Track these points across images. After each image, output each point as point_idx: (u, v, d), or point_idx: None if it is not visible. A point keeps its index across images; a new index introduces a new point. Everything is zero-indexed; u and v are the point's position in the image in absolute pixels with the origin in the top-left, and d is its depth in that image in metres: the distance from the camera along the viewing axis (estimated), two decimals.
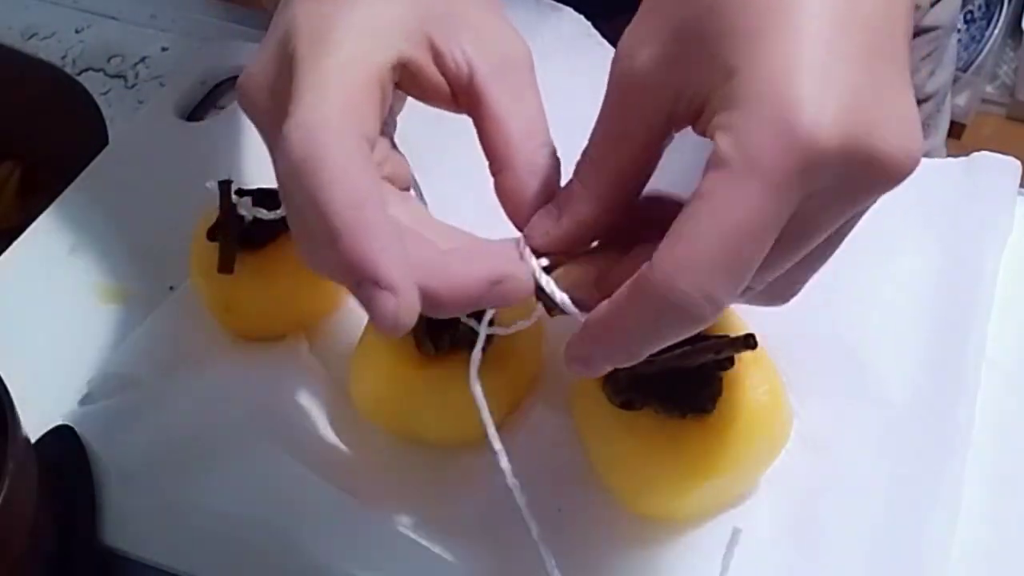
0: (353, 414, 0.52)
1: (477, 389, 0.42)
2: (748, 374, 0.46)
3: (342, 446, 0.52)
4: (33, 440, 0.52)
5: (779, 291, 0.38)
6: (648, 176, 0.38)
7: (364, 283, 0.34)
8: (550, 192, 0.39)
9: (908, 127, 0.33)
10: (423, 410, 0.50)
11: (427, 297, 0.35)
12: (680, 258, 0.33)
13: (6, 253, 0.64)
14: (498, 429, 0.51)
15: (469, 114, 0.40)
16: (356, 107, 0.36)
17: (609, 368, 0.37)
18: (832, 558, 0.47)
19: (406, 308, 0.34)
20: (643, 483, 0.47)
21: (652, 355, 0.46)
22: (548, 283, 0.38)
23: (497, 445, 0.41)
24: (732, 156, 0.32)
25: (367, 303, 0.34)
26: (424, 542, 0.47)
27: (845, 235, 0.37)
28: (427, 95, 0.40)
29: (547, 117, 0.40)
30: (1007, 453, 0.51)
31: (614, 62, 0.37)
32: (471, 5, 0.40)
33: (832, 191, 0.33)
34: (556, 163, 0.39)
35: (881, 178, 0.33)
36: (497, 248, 0.38)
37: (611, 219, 0.38)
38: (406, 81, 0.39)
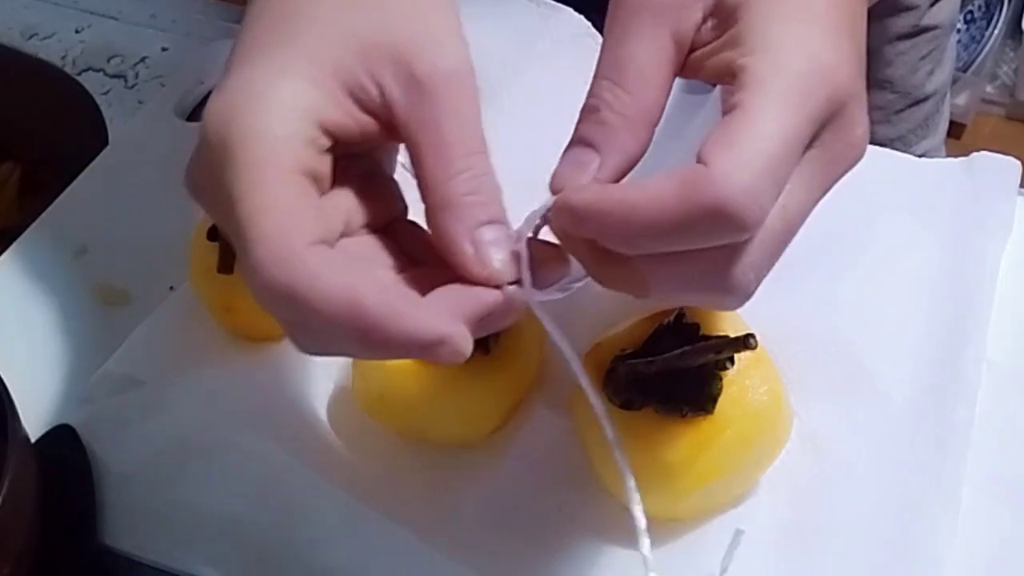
0: (353, 414, 0.52)
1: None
2: (748, 374, 0.46)
3: (342, 446, 0.52)
4: (33, 440, 0.52)
5: (748, 279, 0.37)
6: (662, 109, 0.38)
7: (415, 350, 0.34)
8: (474, 220, 0.36)
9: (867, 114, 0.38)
10: (425, 410, 0.50)
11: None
12: (741, 160, 0.33)
13: (6, 253, 0.64)
14: (498, 429, 0.52)
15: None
16: (293, 216, 0.35)
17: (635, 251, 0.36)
18: (832, 558, 0.47)
19: (463, 341, 0.34)
20: (643, 483, 0.47)
21: (652, 355, 0.46)
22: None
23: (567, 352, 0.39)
24: (769, 79, 0.35)
25: (430, 358, 0.34)
26: (425, 542, 0.47)
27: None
28: (364, 142, 0.38)
29: (545, 116, 0.39)
30: (1007, 453, 0.51)
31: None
32: (404, 23, 0.38)
33: (822, 152, 0.36)
34: (479, 188, 0.37)
35: (857, 148, 0.37)
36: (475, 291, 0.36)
37: (643, 151, 0.38)
38: (339, 139, 0.37)
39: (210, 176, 0.37)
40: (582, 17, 0.67)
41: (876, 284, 0.55)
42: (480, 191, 0.37)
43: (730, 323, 0.48)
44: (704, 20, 0.38)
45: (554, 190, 0.37)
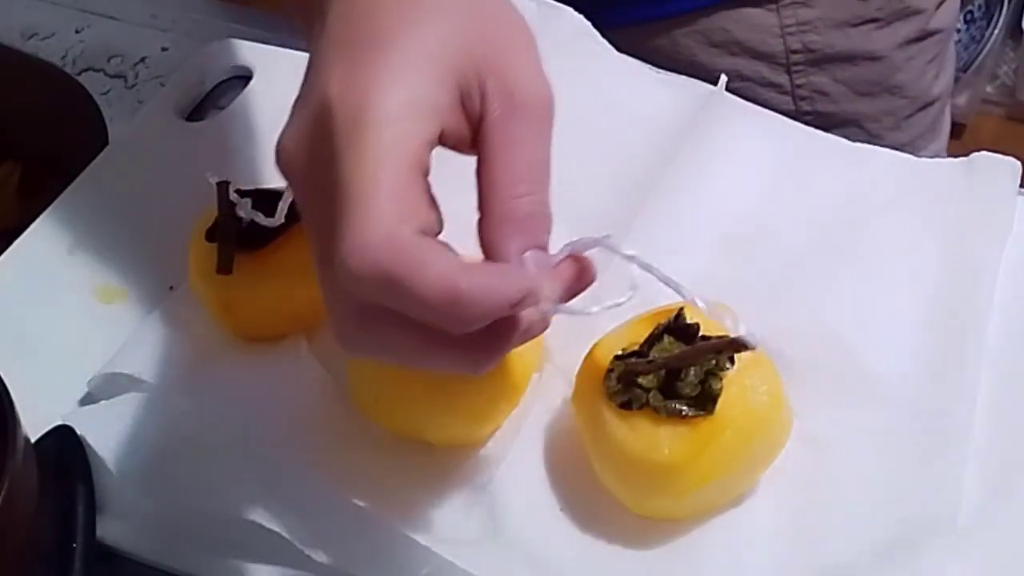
0: (353, 414, 0.52)
1: None
2: (748, 374, 0.46)
3: (341, 446, 0.52)
4: (33, 440, 0.52)
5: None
6: None
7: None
8: (526, 242, 0.38)
9: None
10: (424, 410, 0.50)
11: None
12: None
13: (6, 253, 0.64)
14: (498, 429, 0.52)
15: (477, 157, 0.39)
16: (408, 203, 0.36)
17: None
18: (832, 558, 0.47)
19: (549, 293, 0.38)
20: (643, 483, 0.47)
21: (652, 355, 0.46)
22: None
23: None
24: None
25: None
26: (424, 542, 0.47)
27: None
28: (457, 147, 0.40)
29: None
30: (1007, 453, 0.51)
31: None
32: (506, 44, 0.40)
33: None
34: (539, 213, 0.39)
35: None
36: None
37: None
38: (448, 140, 0.39)
39: (322, 152, 0.37)
40: (582, 17, 0.67)
41: (876, 284, 0.55)
42: (538, 217, 0.38)
43: None
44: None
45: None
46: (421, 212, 0.36)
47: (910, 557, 0.46)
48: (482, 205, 0.38)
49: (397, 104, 0.36)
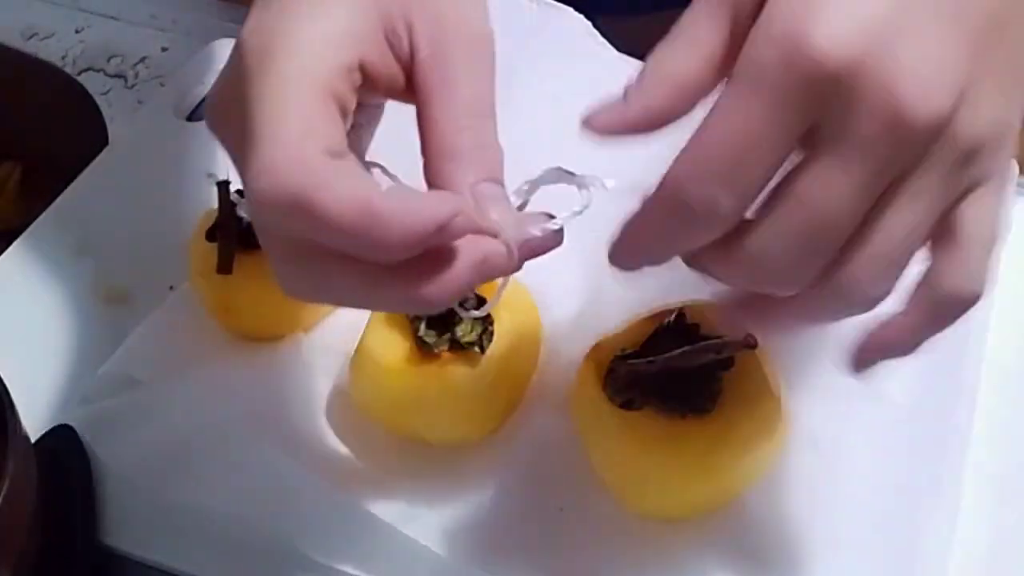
0: (353, 414, 0.52)
1: None
2: (748, 374, 0.46)
3: (342, 446, 0.52)
4: (33, 440, 0.52)
5: (845, 292, 0.35)
6: (706, 92, 0.36)
7: (429, 237, 0.33)
8: (476, 174, 0.36)
9: (933, 70, 0.31)
10: (423, 410, 0.50)
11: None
12: (688, 161, 0.33)
13: (6, 253, 0.64)
14: (497, 429, 0.52)
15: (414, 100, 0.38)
16: (315, 125, 0.34)
17: (641, 266, 0.37)
18: (831, 558, 0.47)
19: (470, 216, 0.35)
20: (643, 483, 0.47)
21: (652, 355, 0.46)
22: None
23: None
24: (740, 69, 0.32)
25: (485, 266, 0.35)
26: (424, 542, 0.47)
27: (919, 230, 0.34)
28: (386, 90, 0.38)
29: (544, 115, 0.39)
30: (1006, 453, 0.51)
31: None
32: None
33: (848, 131, 0.32)
34: (486, 144, 0.37)
35: (896, 120, 0.31)
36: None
37: (667, 119, 0.36)
38: (368, 80, 0.37)
39: (235, 91, 0.36)
40: (582, 17, 0.67)
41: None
42: (484, 148, 0.37)
43: None
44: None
45: (584, 121, 0.36)
46: (331, 134, 0.35)
47: (910, 557, 0.46)
48: (424, 149, 0.37)
49: (308, 35, 0.35)
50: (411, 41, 0.37)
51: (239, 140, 0.36)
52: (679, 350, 0.46)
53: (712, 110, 0.33)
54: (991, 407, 0.51)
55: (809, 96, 0.31)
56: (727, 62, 0.35)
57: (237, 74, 0.36)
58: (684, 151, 0.33)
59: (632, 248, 0.36)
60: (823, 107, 0.32)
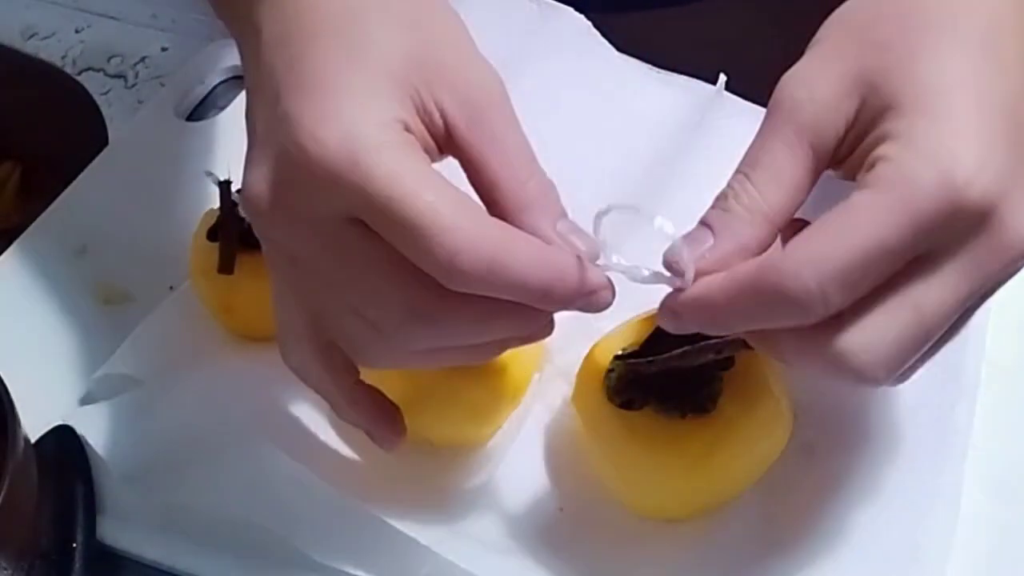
0: None
1: None
2: (748, 374, 0.46)
3: (342, 446, 0.52)
4: (33, 440, 0.52)
5: (874, 359, 0.37)
6: (790, 212, 0.40)
7: (586, 301, 0.39)
8: (552, 218, 0.40)
9: None
10: (423, 411, 0.50)
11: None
12: (812, 254, 0.35)
13: (6, 253, 0.64)
14: (498, 430, 0.52)
15: (460, 164, 0.41)
16: (464, 197, 0.38)
17: (695, 330, 0.40)
18: (832, 559, 0.47)
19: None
20: (643, 483, 0.47)
21: (652, 355, 0.46)
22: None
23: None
24: (890, 180, 0.35)
25: (591, 307, 0.40)
26: (424, 542, 0.47)
27: (958, 328, 0.39)
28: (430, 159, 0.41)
29: (545, 115, 0.41)
30: (1006, 453, 0.51)
31: (783, 92, 0.40)
32: (446, 46, 0.41)
33: (964, 257, 0.36)
34: (546, 188, 0.41)
35: (1006, 255, 0.37)
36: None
37: (762, 247, 0.39)
38: None
39: (326, 195, 0.38)
40: (582, 17, 0.67)
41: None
42: (548, 192, 0.40)
43: None
44: (848, 130, 0.39)
45: (666, 262, 0.39)
46: (475, 204, 0.38)
47: (910, 557, 0.46)
48: (494, 208, 0.40)
49: (379, 130, 0.38)
50: (443, 114, 0.39)
51: (313, 237, 0.39)
52: (679, 350, 0.46)
53: (846, 216, 0.36)
54: (991, 407, 0.51)
55: (950, 222, 0.35)
56: (807, 193, 0.39)
57: (297, 175, 0.38)
58: (804, 246, 0.36)
59: (701, 317, 0.38)
60: (956, 232, 0.36)
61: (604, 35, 0.66)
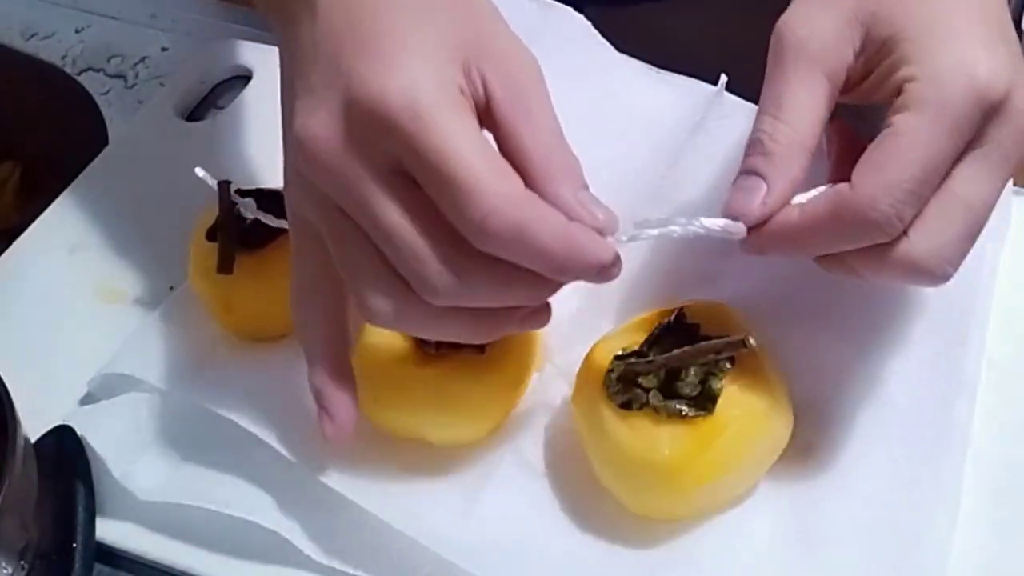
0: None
1: None
2: (748, 374, 0.46)
3: (342, 446, 0.52)
4: (33, 440, 0.52)
5: (938, 258, 0.42)
6: (817, 138, 0.44)
7: (597, 273, 0.41)
8: (574, 186, 0.42)
9: None
10: (423, 410, 0.50)
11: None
12: (882, 183, 0.40)
13: (6, 253, 0.64)
14: (497, 429, 0.52)
15: (492, 134, 0.42)
16: (506, 167, 0.40)
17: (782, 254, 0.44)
18: (831, 559, 0.47)
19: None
20: (643, 483, 0.47)
21: (652, 355, 0.46)
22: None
23: None
24: (924, 98, 0.40)
25: (601, 278, 0.41)
26: (424, 542, 0.47)
27: (988, 202, 0.43)
28: None
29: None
30: (1006, 453, 0.51)
31: (785, 34, 0.44)
32: (492, 26, 0.43)
33: (991, 144, 0.41)
34: (572, 162, 0.42)
35: (1017, 130, 0.42)
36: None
37: (807, 174, 0.43)
38: None
39: (370, 145, 0.40)
40: (582, 17, 0.67)
41: (875, 284, 0.55)
42: (572, 163, 0.42)
43: (730, 324, 0.48)
44: (856, 57, 0.44)
45: (730, 215, 0.43)
46: (512, 172, 0.40)
47: (910, 557, 0.46)
48: (522, 173, 0.41)
49: (433, 86, 0.40)
50: (485, 86, 0.41)
51: (370, 191, 0.40)
52: (679, 350, 0.46)
53: (898, 140, 0.40)
54: (991, 406, 0.51)
55: (978, 120, 0.41)
56: (828, 116, 0.44)
57: (366, 125, 0.40)
58: (872, 176, 0.41)
59: (787, 244, 0.43)
60: (984, 126, 0.41)
61: (602, 32, 0.66)
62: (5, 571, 0.48)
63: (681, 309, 0.48)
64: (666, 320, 0.48)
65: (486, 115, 0.42)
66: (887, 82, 0.43)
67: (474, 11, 0.43)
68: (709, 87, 0.63)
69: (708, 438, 0.45)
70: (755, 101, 0.63)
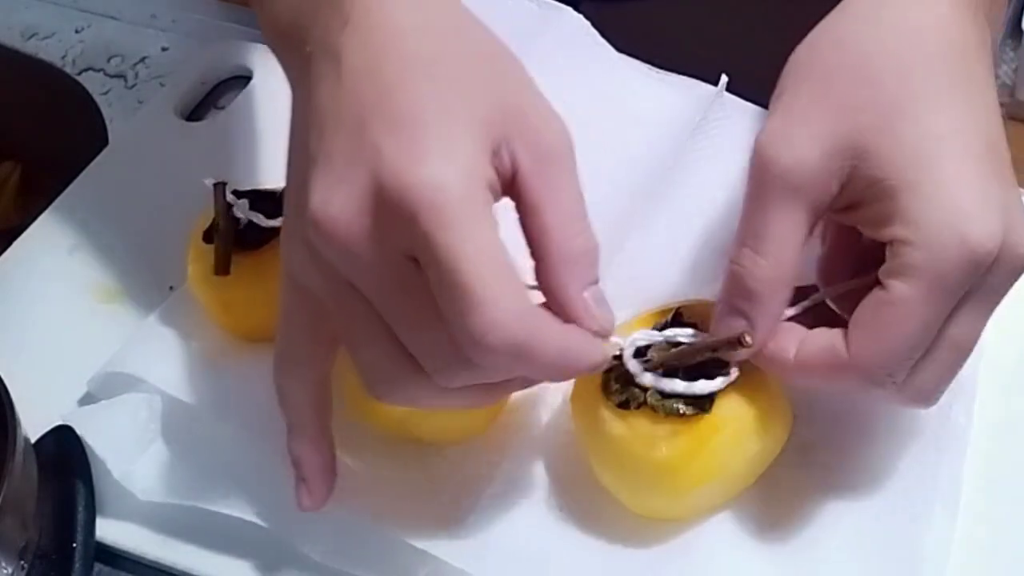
0: (351, 413, 0.52)
1: None
2: (748, 374, 0.46)
3: (341, 446, 0.52)
4: (33, 440, 0.52)
5: (927, 394, 0.44)
6: (797, 269, 0.44)
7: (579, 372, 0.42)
8: (584, 280, 0.41)
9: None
10: (419, 409, 0.50)
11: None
12: (879, 351, 0.41)
13: (6, 253, 0.64)
14: (496, 429, 0.52)
15: (516, 204, 0.41)
16: (513, 276, 0.39)
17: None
18: (831, 558, 0.47)
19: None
20: (642, 483, 0.47)
21: (649, 354, 0.46)
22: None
23: None
24: (919, 267, 0.40)
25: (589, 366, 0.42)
26: (421, 542, 0.47)
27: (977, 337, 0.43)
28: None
29: None
30: (1006, 453, 0.51)
31: (767, 157, 0.43)
32: (523, 94, 0.42)
33: (984, 290, 0.42)
34: (592, 247, 0.42)
35: (1016, 273, 0.42)
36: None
37: (783, 308, 0.44)
38: None
39: (390, 230, 0.39)
40: (582, 17, 0.67)
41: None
42: (592, 252, 0.42)
43: None
44: (841, 189, 0.43)
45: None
46: (520, 283, 0.39)
47: (910, 557, 0.46)
48: (537, 251, 0.41)
49: (460, 181, 0.38)
50: (512, 158, 0.40)
51: (399, 272, 0.39)
52: (677, 349, 0.46)
53: (893, 310, 0.41)
54: (991, 407, 0.51)
55: (973, 274, 0.41)
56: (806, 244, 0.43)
57: (387, 211, 0.38)
58: (866, 346, 0.41)
59: (806, 380, 0.45)
60: (976, 277, 0.41)
61: (598, 28, 0.66)
62: (5, 571, 0.48)
63: (679, 309, 0.48)
64: (664, 320, 0.48)
65: (512, 186, 0.41)
66: (876, 231, 0.42)
67: (509, 80, 0.42)
68: (709, 87, 0.63)
69: (706, 437, 0.45)
70: (754, 100, 0.63)
